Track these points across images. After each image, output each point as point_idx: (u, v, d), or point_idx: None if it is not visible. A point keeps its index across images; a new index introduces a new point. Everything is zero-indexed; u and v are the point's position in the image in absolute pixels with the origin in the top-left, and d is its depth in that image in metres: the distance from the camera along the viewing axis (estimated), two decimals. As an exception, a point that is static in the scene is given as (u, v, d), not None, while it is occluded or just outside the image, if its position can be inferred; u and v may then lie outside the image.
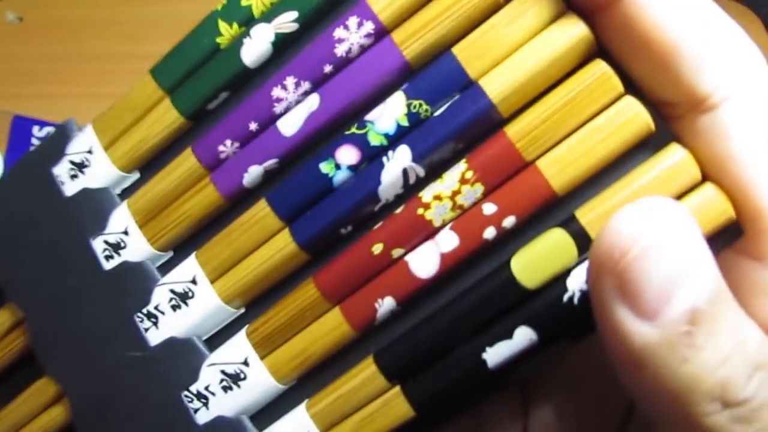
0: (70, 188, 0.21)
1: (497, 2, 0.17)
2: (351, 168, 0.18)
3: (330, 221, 0.18)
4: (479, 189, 0.17)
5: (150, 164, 0.20)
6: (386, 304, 0.18)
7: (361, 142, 0.18)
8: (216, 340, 0.20)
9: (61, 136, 0.21)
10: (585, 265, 0.17)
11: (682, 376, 0.14)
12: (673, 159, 0.16)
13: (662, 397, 0.15)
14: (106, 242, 0.20)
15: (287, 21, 0.18)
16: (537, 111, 0.16)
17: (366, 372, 0.18)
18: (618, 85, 0.16)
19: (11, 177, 0.22)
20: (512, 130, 0.17)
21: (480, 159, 0.17)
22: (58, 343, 0.20)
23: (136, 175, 0.21)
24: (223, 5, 0.19)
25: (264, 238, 0.19)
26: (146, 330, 0.19)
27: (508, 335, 0.17)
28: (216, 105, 0.19)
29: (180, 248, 0.20)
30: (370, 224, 0.18)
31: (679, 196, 0.16)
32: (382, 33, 0.18)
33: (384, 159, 0.18)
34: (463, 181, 0.17)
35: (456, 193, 0.17)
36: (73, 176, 0.21)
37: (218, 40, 0.19)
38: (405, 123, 0.17)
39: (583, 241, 0.16)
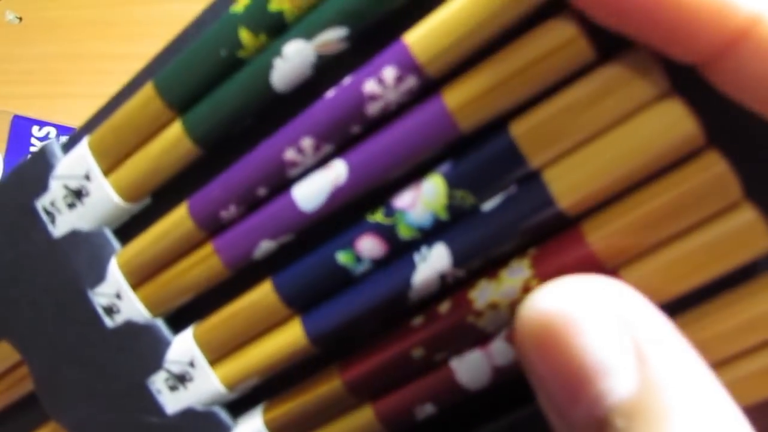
0: (61, 223, 0.17)
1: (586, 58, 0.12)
2: (375, 262, 0.15)
3: (349, 319, 0.15)
4: (546, 299, 0.14)
5: (162, 191, 0.17)
6: (426, 410, 0.15)
7: (388, 233, 0.14)
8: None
9: (43, 161, 0.17)
10: None
11: None
12: None
13: None
14: (102, 300, 0.17)
15: (334, 40, 0.14)
16: (626, 214, 0.13)
17: None
18: (738, 190, 0.12)
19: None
20: (594, 237, 0.13)
21: (550, 267, 0.13)
22: (65, 394, 0.18)
23: (146, 201, 0.17)
24: (245, 7, 0.15)
25: (269, 325, 0.16)
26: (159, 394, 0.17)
27: None
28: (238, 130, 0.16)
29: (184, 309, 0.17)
30: (396, 321, 0.15)
31: None
32: (427, 88, 0.13)
33: (416, 257, 0.14)
34: (526, 289, 0.14)
35: (516, 302, 0.14)
36: (71, 205, 0.17)
37: (240, 53, 0.15)
38: (444, 216, 0.14)
39: None
